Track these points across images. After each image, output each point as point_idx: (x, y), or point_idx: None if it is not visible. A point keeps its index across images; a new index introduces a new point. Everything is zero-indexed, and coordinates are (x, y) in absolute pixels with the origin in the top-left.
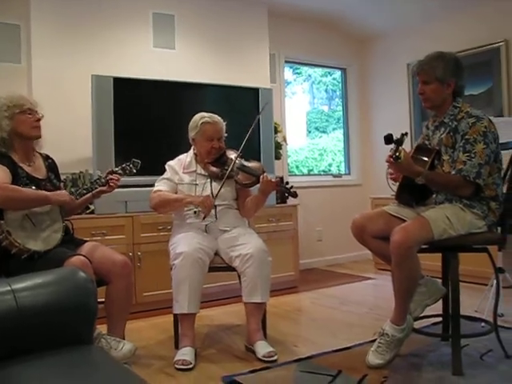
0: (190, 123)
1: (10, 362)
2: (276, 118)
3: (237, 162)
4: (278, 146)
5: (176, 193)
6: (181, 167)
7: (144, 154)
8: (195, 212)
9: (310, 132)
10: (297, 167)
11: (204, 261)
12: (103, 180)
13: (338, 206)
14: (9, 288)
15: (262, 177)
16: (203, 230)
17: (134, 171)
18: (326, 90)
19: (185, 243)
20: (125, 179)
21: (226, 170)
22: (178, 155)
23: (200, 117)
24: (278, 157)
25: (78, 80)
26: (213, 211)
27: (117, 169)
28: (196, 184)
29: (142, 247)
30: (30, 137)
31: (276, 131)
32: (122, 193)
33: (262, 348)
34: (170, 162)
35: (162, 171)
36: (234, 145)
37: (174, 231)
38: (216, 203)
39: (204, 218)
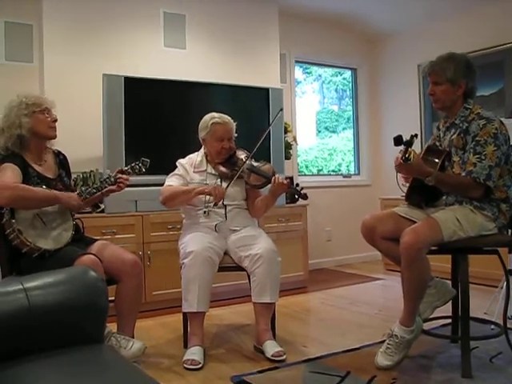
0: (200, 123)
1: (20, 360)
2: (286, 118)
3: (247, 163)
4: (288, 146)
5: None
6: (191, 166)
7: (154, 153)
8: (205, 212)
9: (319, 132)
10: (306, 167)
11: (214, 260)
12: (112, 179)
13: (348, 207)
14: (21, 287)
15: (273, 179)
16: (213, 229)
17: (143, 170)
18: (336, 90)
19: (195, 242)
20: (135, 178)
21: (236, 170)
22: (188, 154)
23: (210, 117)
24: (287, 157)
25: (90, 79)
26: (223, 211)
27: (126, 168)
28: (206, 184)
29: (151, 246)
30: (46, 136)
31: (286, 131)
32: (132, 192)
33: (271, 347)
34: (181, 161)
35: (172, 170)
36: (244, 144)
37: (184, 230)
38: (225, 203)
39: (215, 206)
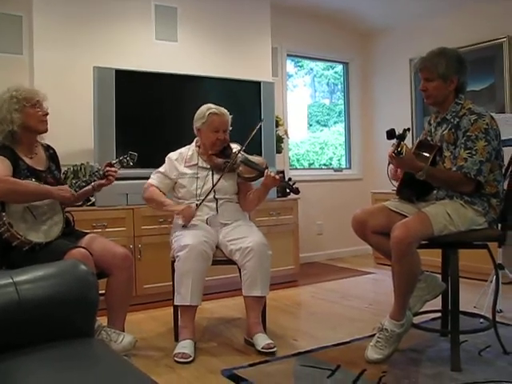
0: (197, 113)
1: (10, 354)
2: (277, 111)
3: (240, 155)
4: (280, 140)
5: (174, 185)
6: (182, 161)
7: (145, 147)
8: (196, 205)
9: (311, 125)
10: (297, 160)
11: (208, 254)
12: (101, 172)
13: (339, 200)
14: (11, 280)
15: (265, 172)
16: (204, 222)
17: (131, 164)
18: (327, 84)
19: (190, 236)
20: (126, 171)
21: (229, 162)
22: (179, 148)
23: (207, 108)
24: (279, 150)
25: (80, 72)
26: (214, 204)
27: (114, 161)
28: (197, 177)
29: (142, 239)
30: (37, 131)
31: (277, 125)
32: (122, 185)
33: (262, 340)
34: (171, 155)
35: (161, 164)
36: (235, 137)
37: (176, 224)
38: (217, 197)
39: (184, 227)
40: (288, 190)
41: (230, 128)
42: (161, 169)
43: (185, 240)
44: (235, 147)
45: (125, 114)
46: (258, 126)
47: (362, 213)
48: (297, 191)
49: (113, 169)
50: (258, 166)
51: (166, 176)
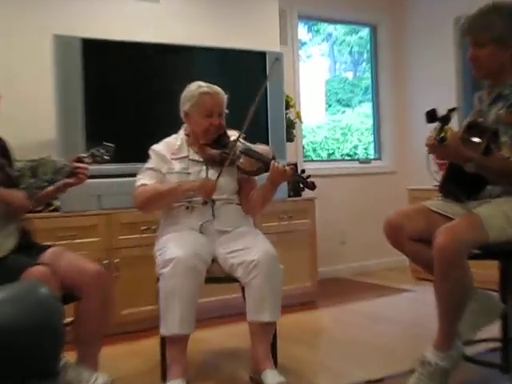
0: (184, 93)
1: None
2: (288, 89)
3: (240, 143)
4: (291, 125)
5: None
6: (169, 153)
7: (122, 136)
8: (187, 207)
9: (330, 106)
10: (314, 150)
11: (200, 269)
12: (68, 169)
13: (367, 200)
14: None
15: (272, 164)
16: (197, 230)
17: (106, 157)
18: (350, 53)
19: (176, 247)
20: (98, 167)
21: (227, 153)
22: (164, 137)
23: (196, 86)
24: (290, 138)
25: (35, 42)
26: (209, 207)
27: (85, 155)
28: (188, 173)
29: (120, 253)
30: None
31: (288, 106)
32: (93, 184)
33: (272, 378)
34: (156, 147)
35: (144, 157)
36: (234, 123)
37: (162, 232)
38: (213, 197)
39: (205, 204)
40: (301, 185)
41: (227, 111)
42: (148, 164)
43: (170, 252)
44: (233, 135)
45: (95, 95)
46: (265, 86)
47: (396, 215)
48: (312, 186)
49: (83, 165)
50: (262, 157)
51: (157, 171)
